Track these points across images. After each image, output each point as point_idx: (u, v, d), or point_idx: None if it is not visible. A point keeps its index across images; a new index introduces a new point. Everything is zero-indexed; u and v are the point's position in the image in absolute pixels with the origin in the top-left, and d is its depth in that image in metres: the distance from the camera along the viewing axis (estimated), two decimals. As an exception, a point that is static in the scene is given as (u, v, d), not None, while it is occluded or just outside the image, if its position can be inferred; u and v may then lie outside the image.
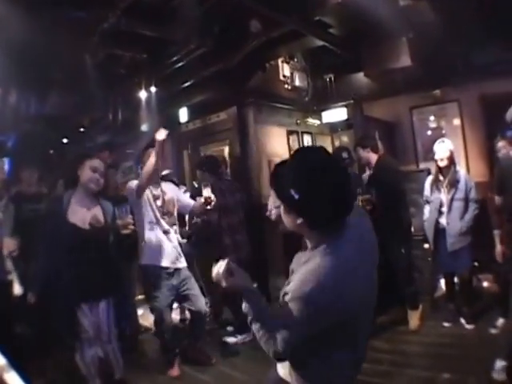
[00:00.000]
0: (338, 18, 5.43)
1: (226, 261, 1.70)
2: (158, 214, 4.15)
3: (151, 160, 3.84)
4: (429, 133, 7.18)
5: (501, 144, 4.25)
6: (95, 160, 3.53)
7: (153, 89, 6.37)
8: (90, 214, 3.41)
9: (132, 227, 3.75)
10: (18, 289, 3.75)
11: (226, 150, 7.70)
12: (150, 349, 4.94)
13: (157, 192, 4.25)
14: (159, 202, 4.20)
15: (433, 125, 7.16)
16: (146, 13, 4.77)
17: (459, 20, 5.14)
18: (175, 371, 4.15)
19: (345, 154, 5.26)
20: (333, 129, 8.75)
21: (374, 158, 4.89)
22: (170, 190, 4.42)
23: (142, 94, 6.46)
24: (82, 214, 3.38)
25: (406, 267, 4.73)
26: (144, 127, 7.41)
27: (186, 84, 6.67)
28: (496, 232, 4.04)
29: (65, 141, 7.69)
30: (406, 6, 4.85)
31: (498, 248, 4.01)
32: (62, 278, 3.25)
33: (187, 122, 7.98)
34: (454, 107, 6.84)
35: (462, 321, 4.49)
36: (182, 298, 4.26)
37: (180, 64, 5.91)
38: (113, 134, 7.59)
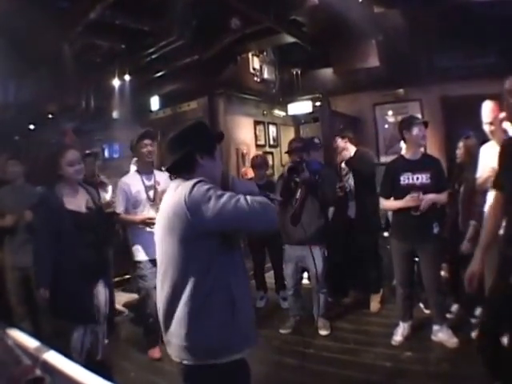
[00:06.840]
0: (313, 18, 5.65)
1: None
2: (146, 210, 4.18)
3: (135, 218, 4.10)
4: (390, 129, 7.47)
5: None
6: (67, 153, 3.44)
7: (127, 77, 6.43)
8: (83, 200, 3.52)
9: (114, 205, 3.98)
10: None
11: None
12: (124, 331, 5.06)
13: (149, 182, 4.28)
14: (151, 194, 4.23)
15: (393, 120, 7.42)
16: (129, 5, 4.83)
17: (426, 27, 5.47)
18: (157, 353, 4.17)
19: (316, 140, 5.45)
20: (296, 121, 8.99)
21: (351, 148, 5.13)
22: (164, 180, 4.33)
23: (116, 82, 6.52)
24: (76, 201, 3.48)
25: (371, 253, 5.06)
26: (115, 114, 7.46)
27: (160, 73, 6.78)
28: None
29: (32, 127, 7.56)
30: (379, 13, 5.11)
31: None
32: (70, 263, 3.28)
33: (158, 110, 8.05)
34: (416, 106, 7.10)
35: (421, 305, 4.71)
36: None
37: (156, 55, 6.01)
38: (82, 121, 7.51)
